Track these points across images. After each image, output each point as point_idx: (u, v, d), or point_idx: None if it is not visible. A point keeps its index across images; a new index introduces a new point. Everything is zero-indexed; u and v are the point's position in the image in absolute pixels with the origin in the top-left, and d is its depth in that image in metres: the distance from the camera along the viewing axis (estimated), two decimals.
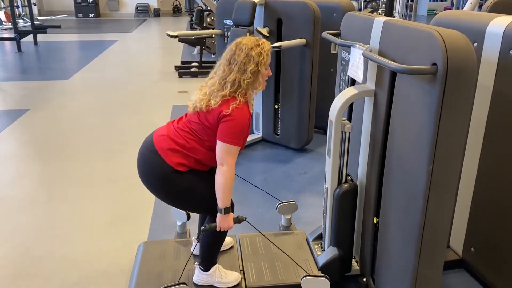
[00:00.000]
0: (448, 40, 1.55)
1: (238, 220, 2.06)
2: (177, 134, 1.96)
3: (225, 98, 1.88)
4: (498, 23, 2.01)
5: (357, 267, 2.34)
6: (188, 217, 2.55)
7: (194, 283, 2.15)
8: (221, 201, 1.92)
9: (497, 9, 2.75)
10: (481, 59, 2.09)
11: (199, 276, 2.15)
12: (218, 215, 1.95)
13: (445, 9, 15.21)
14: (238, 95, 1.88)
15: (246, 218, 2.10)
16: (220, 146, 1.88)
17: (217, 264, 2.16)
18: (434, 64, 1.57)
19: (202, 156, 1.97)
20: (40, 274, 2.45)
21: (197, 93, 1.98)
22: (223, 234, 2.09)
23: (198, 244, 2.32)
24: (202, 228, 2.02)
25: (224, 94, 1.88)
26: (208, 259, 2.12)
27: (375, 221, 2.12)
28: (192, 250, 2.37)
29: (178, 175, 1.93)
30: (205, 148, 1.96)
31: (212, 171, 2.01)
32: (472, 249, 2.34)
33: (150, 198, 3.26)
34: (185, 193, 1.97)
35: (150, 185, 1.99)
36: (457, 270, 2.44)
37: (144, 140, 2.05)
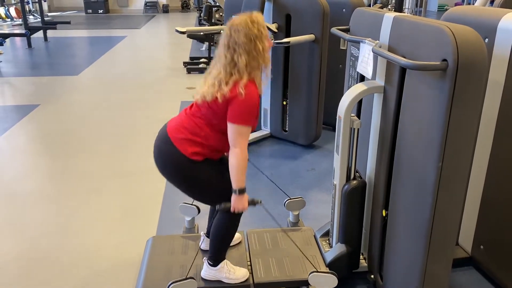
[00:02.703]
0: (459, 35, 1.53)
1: (253, 203, 2.04)
2: (190, 122, 1.96)
3: (237, 82, 1.84)
4: (510, 19, 1.99)
5: (365, 264, 2.33)
6: (199, 211, 2.56)
7: (202, 278, 2.16)
8: (235, 182, 1.92)
9: (509, 4, 2.72)
10: (492, 55, 2.07)
11: (207, 271, 2.15)
12: (233, 196, 1.95)
13: (456, 4, 15.05)
14: (249, 77, 1.86)
15: (261, 201, 2.07)
16: (231, 127, 1.87)
17: (225, 260, 2.16)
18: (445, 60, 1.55)
19: (214, 142, 1.96)
20: (49, 267, 2.48)
21: (203, 85, 1.95)
22: (234, 227, 2.11)
23: (207, 239, 2.33)
24: (217, 207, 2.02)
25: (236, 79, 1.84)
26: (217, 254, 2.12)
27: (384, 214, 2.10)
28: (200, 245, 2.38)
29: (194, 165, 1.93)
30: (216, 131, 1.95)
31: (224, 162, 2.03)
32: (482, 246, 2.32)
33: (158, 192, 3.28)
34: (202, 183, 1.98)
35: (168, 176, 2.00)
36: (466, 268, 2.43)
37: (158, 132, 2.05)
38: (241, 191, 1.94)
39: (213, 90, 1.87)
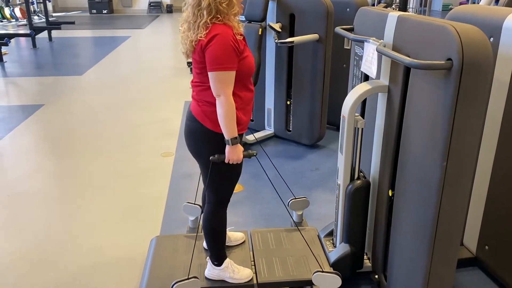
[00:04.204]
0: (464, 34, 1.53)
1: (248, 155, 1.97)
2: (196, 92, 1.94)
3: (207, 26, 1.79)
4: None
5: (369, 264, 2.33)
6: (202, 211, 2.56)
7: (206, 278, 2.16)
8: (227, 132, 1.85)
9: None
10: (498, 54, 2.06)
11: (211, 270, 2.15)
12: (227, 147, 1.88)
13: (461, 3, 14.98)
14: (219, 21, 1.80)
15: (256, 154, 2.00)
16: (211, 77, 1.80)
17: (229, 260, 2.16)
18: (449, 59, 1.54)
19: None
20: (53, 267, 2.49)
21: (180, 34, 1.91)
22: (221, 223, 2.09)
23: None
24: (210, 158, 1.94)
25: (205, 21, 1.79)
26: (215, 251, 2.12)
27: (390, 194, 2.08)
28: (204, 245, 2.38)
29: (221, 139, 1.90)
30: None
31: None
32: (486, 247, 2.31)
33: (162, 192, 3.29)
34: (222, 161, 1.94)
35: (195, 152, 1.99)
36: (471, 268, 2.42)
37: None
38: (234, 141, 1.86)
39: (186, 35, 1.84)
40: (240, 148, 1.90)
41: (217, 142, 1.91)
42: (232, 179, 2.03)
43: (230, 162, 1.91)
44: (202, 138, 1.94)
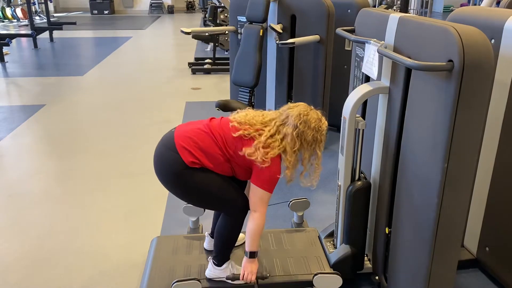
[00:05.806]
0: (465, 36, 1.53)
1: (261, 277, 2.11)
2: (205, 141, 1.94)
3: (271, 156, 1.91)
4: None
5: (370, 265, 2.32)
6: (203, 211, 2.56)
7: (206, 278, 2.16)
8: (249, 246, 2.00)
9: None
10: (499, 55, 2.06)
11: (211, 270, 2.16)
12: (245, 259, 2.03)
13: (462, 5, 14.98)
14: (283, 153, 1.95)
15: (269, 275, 2.14)
16: (256, 191, 1.93)
17: (230, 260, 2.16)
18: (450, 60, 1.55)
19: (215, 164, 1.96)
20: (54, 267, 2.49)
21: (257, 133, 1.98)
22: (238, 229, 2.11)
23: (211, 239, 2.33)
24: (225, 277, 2.09)
25: (288, 160, 1.93)
26: (221, 254, 2.13)
27: (387, 231, 2.11)
28: (204, 245, 2.38)
29: (191, 171, 1.93)
30: (223, 157, 1.95)
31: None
32: (487, 248, 2.31)
33: (163, 193, 3.29)
34: (199, 189, 1.97)
35: (165, 181, 2.00)
36: (472, 270, 2.42)
37: (162, 137, 2.05)
38: (252, 255, 2.02)
39: (261, 152, 1.90)
40: (256, 263, 2.05)
41: (188, 175, 1.93)
42: (219, 191, 2.01)
43: (244, 278, 2.05)
44: (175, 170, 1.93)
